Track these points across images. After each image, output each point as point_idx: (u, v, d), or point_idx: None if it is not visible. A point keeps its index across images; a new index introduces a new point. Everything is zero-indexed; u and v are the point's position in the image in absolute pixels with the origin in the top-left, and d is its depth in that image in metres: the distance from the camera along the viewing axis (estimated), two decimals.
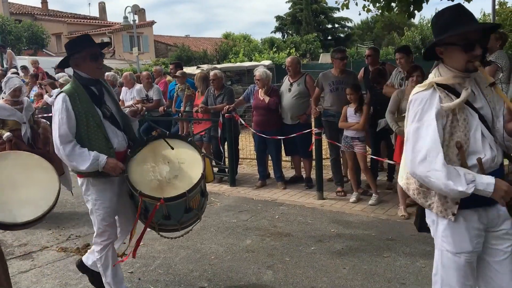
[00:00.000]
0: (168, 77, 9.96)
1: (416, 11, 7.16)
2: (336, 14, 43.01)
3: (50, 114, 9.86)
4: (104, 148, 3.37)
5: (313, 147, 6.49)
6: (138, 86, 8.38)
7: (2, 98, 5.97)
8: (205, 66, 15.53)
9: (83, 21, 37.24)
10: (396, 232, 4.99)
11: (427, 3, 7.02)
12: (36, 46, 28.25)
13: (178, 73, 8.36)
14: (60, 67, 4.75)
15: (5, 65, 15.48)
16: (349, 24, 45.08)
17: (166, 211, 3.36)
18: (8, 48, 17.24)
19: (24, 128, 5.81)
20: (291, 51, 29.26)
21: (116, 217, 3.74)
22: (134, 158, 3.48)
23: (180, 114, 8.33)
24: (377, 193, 6.10)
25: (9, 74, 10.31)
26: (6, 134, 5.64)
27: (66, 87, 3.46)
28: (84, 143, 3.34)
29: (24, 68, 13.12)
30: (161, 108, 8.37)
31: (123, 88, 8.64)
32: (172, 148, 3.54)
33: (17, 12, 33.59)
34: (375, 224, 5.32)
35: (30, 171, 3.78)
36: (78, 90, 3.38)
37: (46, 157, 5.02)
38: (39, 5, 38.15)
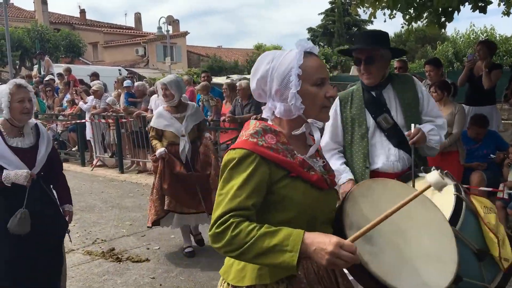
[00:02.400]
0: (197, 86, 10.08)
1: (447, 22, 7.04)
2: (369, 27, 42.75)
3: (83, 121, 10.23)
4: (359, 167, 2.81)
5: None
6: None
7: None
8: (234, 76, 15.70)
9: (119, 31, 38.22)
10: None
11: (458, 14, 6.90)
12: (73, 54, 29.11)
13: (199, 86, 8.47)
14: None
15: (42, 72, 16.01)
16: None
17: None
18: (46, 55, 17.82)
19: (182, 142, 4.73)
20: None
21: None
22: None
23: (208, 123, 8.41)
24: None
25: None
26: (159, 150, 4.68)
27: (347, 90, 3.02)
28: (346, 155, 2.88)
29: (60, 75, 13.53)
30: None
31: (153, 97, 8.78)
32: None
33: (56, 22, 34.77)
34: None
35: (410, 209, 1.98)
36: (356, 93, 2.89)
37: (204, 185, 4.75)
38: (78, 15, 39.39)
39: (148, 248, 5.16)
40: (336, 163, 2.81)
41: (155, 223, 4.80)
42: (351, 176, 2.78)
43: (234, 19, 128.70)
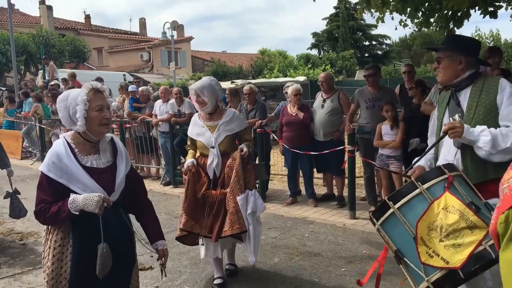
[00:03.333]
0: None
1: (455, 28, 6.94)
2: (374, 31, 42.66)
3: None
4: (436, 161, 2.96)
5: (346, 164, 6.33)
6: (172, 100, 8.45)
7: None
8: (239, 81, 15.61)
9: (124, 36, 38.31)
10: None
11: (468, 20, 6.80)
12: (78, 59, 29.16)
13: None
14: None
15: (47, 77, 16.00)
16: (387, 42, 44.63)
17: None
18: (51, 61, 17.82)
19: (211, 155, 4.16)
20: (326, 68, 29.11)
21: None
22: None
23: None
24: None
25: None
26: (187, 161, 4.25)
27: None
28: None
29: (65, 80, 13.52)
30: None
31: (157, 102, 8.71)
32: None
33: (61, 27, 34.89)
34: None
35: None
36: (449, 93, 3.00)
37: (221, 205, 4.05)
38: (83, 20, 39.54)
39: (152, 256, 5.05)
40: (426, 152, 2.99)
41: (179, 239, 4.30)
42: (422, 164, 2.96)
43: (239, 24, 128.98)
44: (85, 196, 2.38)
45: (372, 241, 5.30)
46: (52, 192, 2.44)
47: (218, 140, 4.14)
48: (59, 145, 2.51)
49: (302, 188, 7.33)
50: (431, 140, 3.11)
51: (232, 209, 4.00)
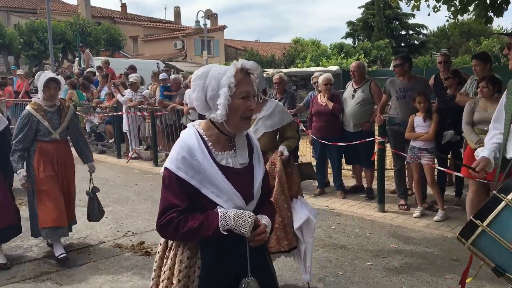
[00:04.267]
0: None
1: (495, 17, 6.65)
2: (411, 21, 41.58)
3: (120, 113, 10.31)
4: (503, 152, 2.86)
5: (376, 156, 6.20)
6: None
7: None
8: (270, 70, 15.52)
9: (159, 25, 38.68)
10: (461, 253, 4.60)
11: (507, 8, 6.50)
12: (113, 48, 29.64)
13: None
14: None
15: (82, 65, 16.34)
16: (424, 31, 43.45)
17: None
18: (87, 49, 18.18)
19: None
20: (360, 57, 28.59)
21: None
22: None
23: None
24: (444, 209, 5.70)
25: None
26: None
27: None
28: (503, 138, 2.90)
29: (99, 68, 13.75)
30: None
31: (188, 90, 8.75)
32: None
33: (98, 15, 35.50)
34: (439, 242, 4.96)
35: None
36: None
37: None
38: (119, 9, 40.13)
39: None
40: (488, 141, 2.95)
41: None
42: (486, 155, 2.87)
43: (272, 14, 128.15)
44: (238, 214, 1.87)
45: (401, 235, 5.19)
46: (183, 196, 1.89)
47: (255, 136, 3.58)
48: (190, 136, 1.96)
49: (331, 179, 7.24)
50: (494, 127, 2.97)
51: (278, 224, 3.48)
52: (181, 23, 41.26)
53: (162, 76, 9.97)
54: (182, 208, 1.87)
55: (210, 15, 27.05)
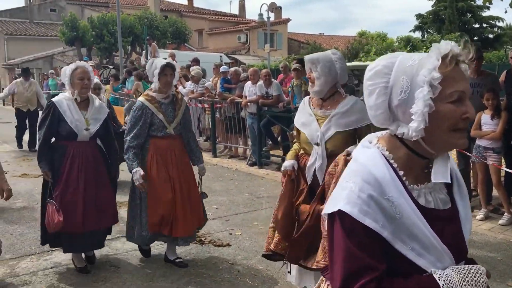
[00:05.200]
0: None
1: None
2: (485, 13, 39.38)
3: None
4: None
5: None
6: (260, 82, 8.50)
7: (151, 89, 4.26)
8: None
9: (223, 18, 39.21)
10: None
11: None
12: (179, 40, 30.40)
13: (293, 68, 8.30)
14: None
15: (149, 57, 16.91)
16: (500, 24, 41.01)
17: None
18: (154, 41, 18.78)
19: (314, 154, 3.09)
20: (427, 51, 27.47)
21: None
22: None
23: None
24: (510, 212, 5.38)
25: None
26: (284, 163, 3.26)
27: None
28: None
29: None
30: (280, 104, 8.39)
31: (247, 83, 8.81)
32: None
33: (166, 9, 36.57)
34: (503, 247, 4.69)
35: None
36: None
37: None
38: (186, 3, 41.11)
39: (230, 233, 5.18)
40: None
41: (266, 256, 3.38)
42: None
43: (338, 7, 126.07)
44: (463, 275, 1.25)
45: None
46: (379, 255, 1.24)
47: (325, 135, 3.03)
48: (375, 162, 1.29)
49: None
50: None
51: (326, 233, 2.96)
52: (245, 16, 41.57)
53: (222, 68, 10.12)
54: (381, 272, 1.22)
55: (275, 8, 26.97)
